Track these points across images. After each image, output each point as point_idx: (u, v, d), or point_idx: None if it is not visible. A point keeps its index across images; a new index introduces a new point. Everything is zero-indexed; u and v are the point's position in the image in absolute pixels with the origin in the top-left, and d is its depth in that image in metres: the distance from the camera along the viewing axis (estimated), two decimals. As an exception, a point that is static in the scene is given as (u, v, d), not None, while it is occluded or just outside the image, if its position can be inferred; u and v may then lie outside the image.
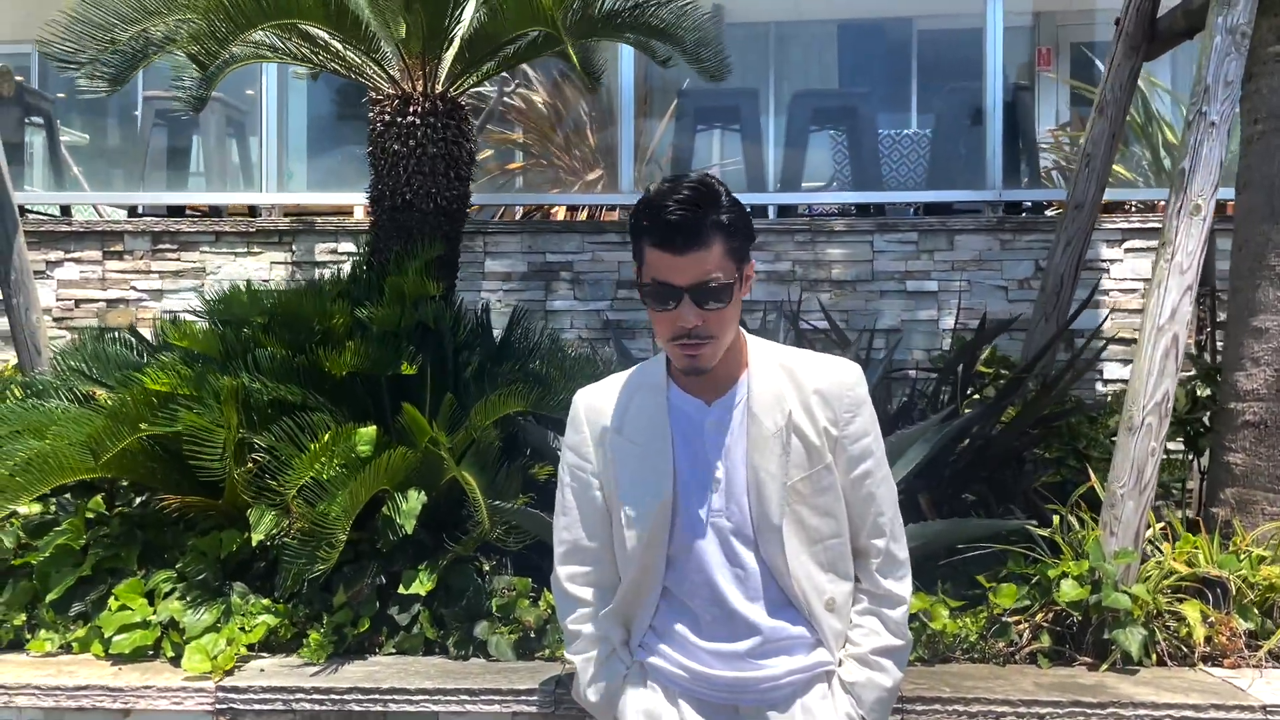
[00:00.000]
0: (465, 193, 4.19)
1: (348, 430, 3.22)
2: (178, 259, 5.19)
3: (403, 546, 3.35)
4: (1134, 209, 5.62)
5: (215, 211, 5.78)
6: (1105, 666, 3.09)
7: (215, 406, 3.27)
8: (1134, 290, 5.09)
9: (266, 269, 5.21)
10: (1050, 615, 3.27)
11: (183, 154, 6.11)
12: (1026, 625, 3.25)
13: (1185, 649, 3.20)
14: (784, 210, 5.63)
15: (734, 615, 2.02)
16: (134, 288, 5.17)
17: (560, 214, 6.40)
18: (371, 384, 3.66)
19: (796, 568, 2.01)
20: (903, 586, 2.17)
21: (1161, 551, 3.52)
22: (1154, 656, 3.16)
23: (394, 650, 3.19)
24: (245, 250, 5.22)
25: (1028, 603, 3.29)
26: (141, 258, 5.22)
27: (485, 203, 5.88)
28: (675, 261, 1.84)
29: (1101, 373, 4.95)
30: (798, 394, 2.02)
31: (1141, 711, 2.78)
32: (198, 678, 2.95)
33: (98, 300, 5.02)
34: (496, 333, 4.24)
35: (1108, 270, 5.09)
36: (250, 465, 3.19)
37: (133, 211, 5.94)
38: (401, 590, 3.22)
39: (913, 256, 5.16)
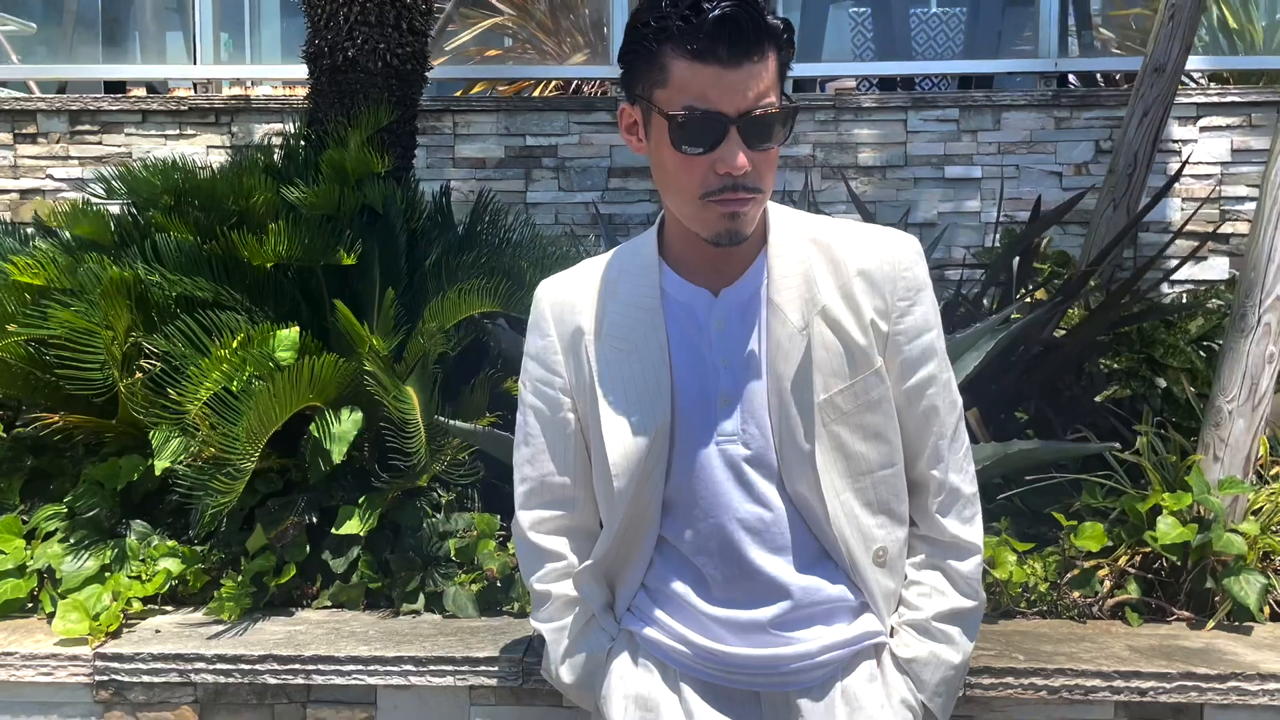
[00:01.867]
0: (421, 49, 3.47)
1: (262, 331, 2.56)
2: (99, 143, 4.51)
3: (341, 477, 2.72)
4: (1209, 81, 4.90)
5: (150, 89, 5.06)
6: (1212, 624, 2.48)
7: (101, 303, 2.61)
8: (1209, 176, 4.40)
9: (203, 153, 4.52)
10: (1138, 559, 2.65)
11: (119, 23, 5.35)
12: (1109, 571, 2.63)
13: (1305, 600, 2.58)
14: (800, 85, 4.92)
15: (753, 573, 1.52)
16: (50, 176, 4.49)
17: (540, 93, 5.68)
18: (305, 280, 3.00)
19: (836, 508, 1.51)
20: (973, 530, 1.62)
21: (1265, 479, 2.89)
22: (1267, 610, 2.55)
23: (329, 603, 2.59)
24: (177, 132, 4.52)
25: (1109, 543, 2.67)
26: (58, 141, 4.53)
27: (454, 76, 5.14)
28: (723, 77, 1.33)
29: (1168, 271, 4.28)
30: (835, 276, 1.51)
31: (1271, 685, 2.17)
32: (73, 641, 2.34)
33: (9, 191, 4.33)
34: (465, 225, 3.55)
35: (1180, 152, 4.39)
36: (138, 376, 2.54)
37: (61, 89, 5.22)
38: (336, 530, 2.60)
39: (952, 138, 4.48)
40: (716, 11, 1.32)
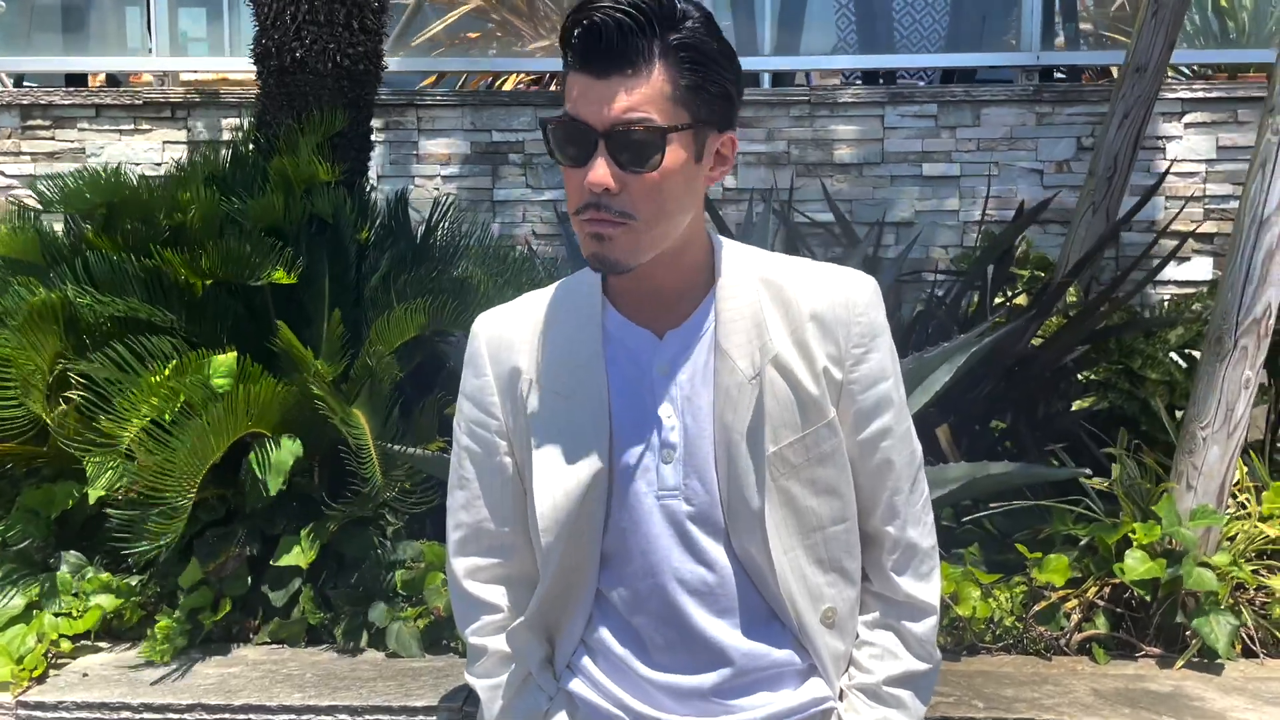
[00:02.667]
0: (375, 49, 3.33)
1: (196, 357, 2.44)
2: (52, 138, 4.35)
3: (286, 506, 2.62)
4: (1193, 74, 4.76)
5: (113, 82, 4.90)
6: (1181, 663, 2.39)
7: (25, 330, 2.49)
8: (1193, 174, 4.28)
9: (158, 150, 4.37)
10: (1107, 590, 2.57)
11: (79, 12, 5.18)
12: (1077, 603, 2.55)
13: (1278, 634, 2.50)
14: (779, 79, 4.77)
15: (695, 636, 1.42)
16: (2, 173, 4.33)
17: (511, 85, 5.51)
18: (250, 300, 2.88)
19: (784, 567, 1.41)
20: (929, 589, 1.50)
21: (1241, 504, 2.80)
22: (1238, 646, 2.47)
23: (268, 639, 2.49)
24: (132, 127, 4.36)
25: (1078, 573, 2.58)
26: (10, 136, 4.38)
27: (413, 68, 4.99)
28: (591, 87, 1.25)
29: (1150, 270, 4.17)
30: (786, 320, 1.40)
31: (1239, 736, 2.09)
32: (-4, 687, 2.24)
33: (-39, 188, 4.19)
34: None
35: (1163, 150, 4.27)
36: (62, 406, 2.43)
37: (19, 83, 5.05)
38: (275, 562, 2.50)
39: (931, 134, 4.32)
40: (585, 20, 1.24)
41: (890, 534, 1.46)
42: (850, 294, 1.41)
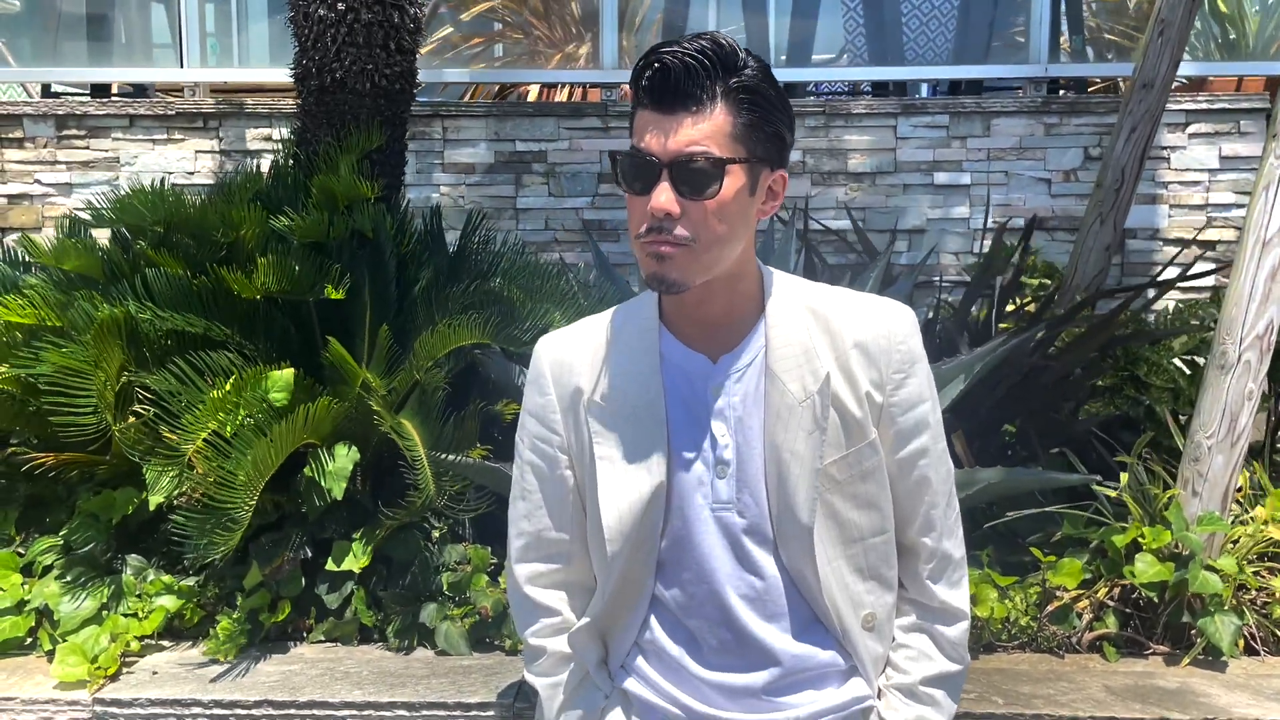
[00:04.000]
0: (410, 69, 3.45)
1: (255, 373, 2.57)
2: (87, 147, 4.46)
3: (336, 510, 2.76)
4: (1193, 84, 4.88)
5: (140, 91, 5.01)
6: (1188, 660, 2.54)
7: (93, 344, 2.62)
8: (1197, 183, 4.41)
9: (191, 159, 4.48)
10: (1117, 591, 2.71)
11: (104, 22, 5.29)
12: (1088, 603, 2.69)
13: (1279, 633, 2.64)
14: (791, 89, 4.89)
15: (747, 639, 1.55)
16: (38, 181, 4.45)
17: (533, 94, 5.62)
18: (296, 312, 3.00)
19: (829, 576, 1.54)
20: (960, 595, 1.65)
21: (1243, 507, 2.94)
22: (1241, 644, 2.61)
23: (323, 638, 2.63)
24: (165, 137, 4.48)
25: (1089, 576, 2.72)
26: (45, 145, 4.49)
27: (437, 80, 5.10)
28: (659, 122, 1.40)
29: (1156, 278, 4.30)
30: (832, 348, 1.53)
31: (1242, 730, 2.24)
32: (72, 685, 2.38)
33: (-2, 196, 4.30)
34: (454, 238, 3.54)
35: (1168, 160, 4.39)
36: (131, 419, 2.56)
37: (46, 91, 5.16)
38: (331, 567, 2.64)
39: (942, 144, 4.45)
40: (656, 62, 1.37)
41: (927, 545, 1.59)
42: (891, 324, 1.53)
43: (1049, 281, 4.02)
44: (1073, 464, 3.22)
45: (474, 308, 2.92)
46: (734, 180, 1.41)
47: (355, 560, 2.62)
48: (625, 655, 1.69)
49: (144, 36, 5.04)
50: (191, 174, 4.38)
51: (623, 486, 1.53)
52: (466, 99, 5.52)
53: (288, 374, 2.59)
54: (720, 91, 1.40)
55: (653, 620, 1.62)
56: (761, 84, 1.45)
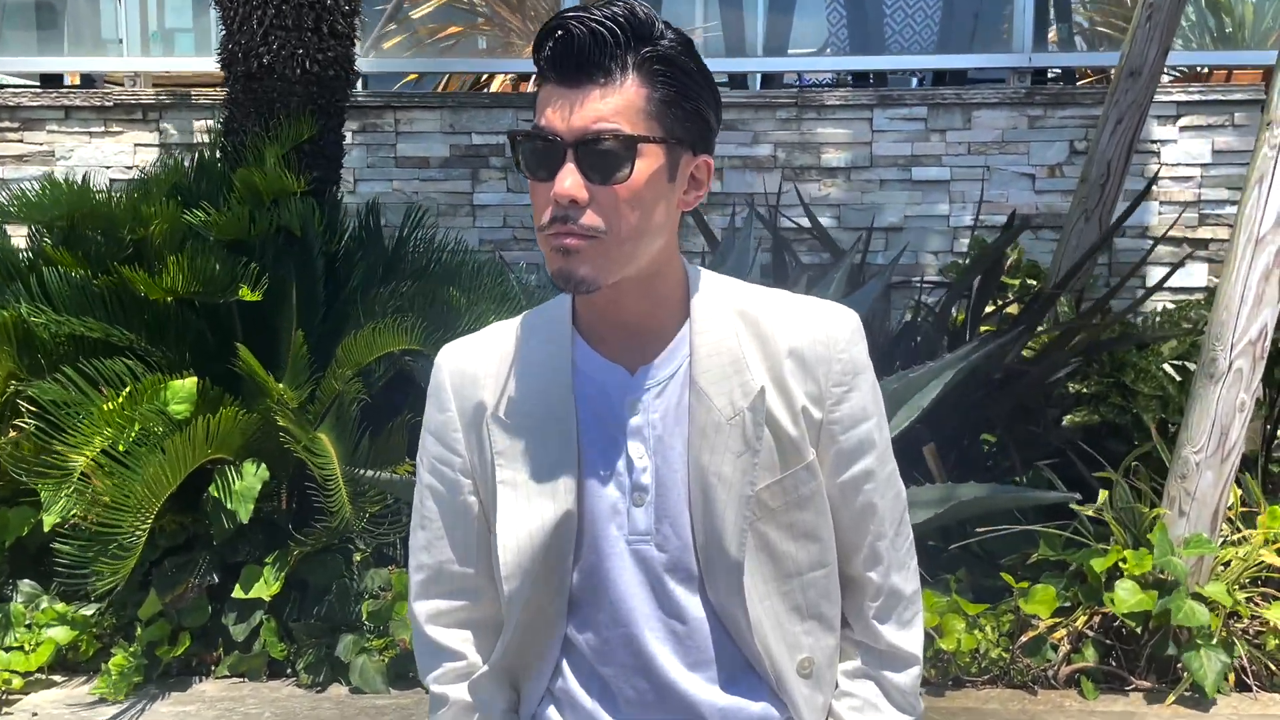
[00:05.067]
0: (345, 54, 3.23)
1: (153, 383, 2.35)
2: (20, 140, 4.24)
3: (250, 532, 2.54)
4: (1185, 75, 4.67)
5: (88, 81, 4.78)
6: (1173, 698, 2.32)
7: (-24, 350, 2.40)
8: (1188, 178, 4.19)
9: (130, 153, 4.26)
10: (1097, 620, 2.49)
11: (52, 11, 5.06)
12: (1065, 633, 2.47)
13: (1273, 667, 2.43)
14: (768, 80, 4.67)
15: (667, 690, 1.35)
16: (-31, 176, 4.22)
17: (497, 87, 5.40)
18: (214, 316, 2.79)
19: (761, 617, 1.34)
20: (912, 637, 1.43)
21: (1235, 526, 2.72)
22: (1231, 678, 2.40)
23: (228, 673, 2.41)
24: (102, 130, 4.25)
25: (1066, 602, 2.50)
26: (-23, 139, 4.26)
27: (386, 69, 4.88)
28: (563, 97, 1.23)
29: (1145, 279, 4.09)
30: (764, 357, 1.34)
31: (1231, 780, 2.02)
32: (-58, 729, 2.16)
33: (-73, 192, 4.06)
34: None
35: (1158, 154, 4.18)
36: (11, 434, 2.33)
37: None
38: (239, 594, 2.42)
39: (920, 137, 4.21)
40: (559, 30, 1.20)
41: (873, 580, 1.39)
42: (830, 330, 1.34)
43: (1033, 282, 3.81)
44: (1052, 480, 3.01)
45: (409, 310, 2.70)
46: (648, 163, 1.23)
47: (266, 587, 2.40)
48: (537, 705, 1.47)
49: (92, 26, 4.81)
50: (130, 169, 4.16)
51: (524, 515, 1.35)
52: (441, 91, 5.30)
53: (190, 383, 2.36)
54: (633, 63, 1.22)
55: (565, 666, 1.41)
56: (680, 56, 1.26)
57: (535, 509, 1.33)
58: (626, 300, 1.30)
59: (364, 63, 4.58)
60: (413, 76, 5.60)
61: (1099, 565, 2.45)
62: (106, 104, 4.27)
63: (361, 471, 2.28)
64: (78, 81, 4.87)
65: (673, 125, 1.23)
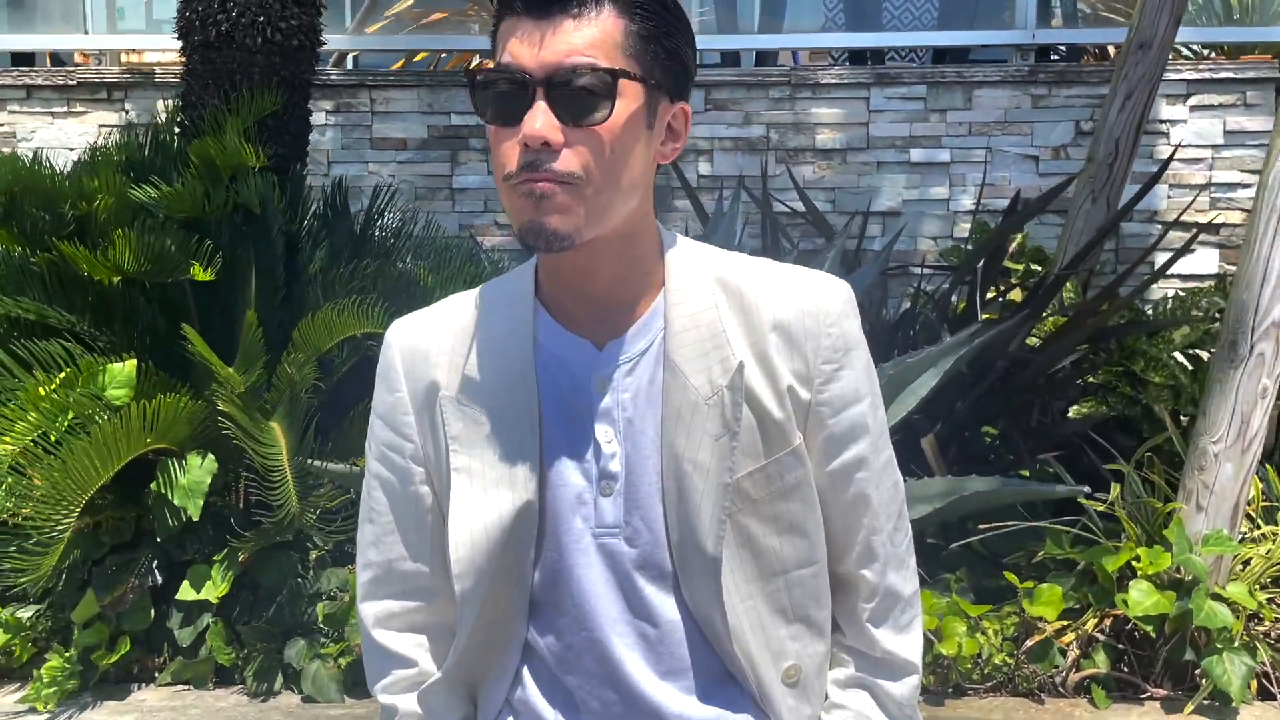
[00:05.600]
0: (311, 24, 3.06)
1: (88, 366, 2.18)
2: (-20, 121, 4.08)
3: (199, 528, 2.36)
4: (1198, 55, 4.49)
5: (58, 61, 4.61)
6: (1191, 707, 2.14)
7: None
8: (1199, 160, 4.01)
9: (93, 133, 4.09)
10: (1108, 622, 2.32)
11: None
12: (1075, 637, 2.30)
13: (1298, 672, 2.26)
14: (762, 59, 4.50)
15: (637, 701, 1.23)
16: (-73, 159, 4.03)
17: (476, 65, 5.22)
18: (166, 297, 2.62)
19: (742, 619, 1.22)
20: (910, 643, 1.30)
21: (1255, 522, 2.55)
22: (1254, 685, 2.22)
23: (171, 679, 2.23)
24: (65, 110, 4.09)
25: (1075, 604, 2.33)
26: (-65, 120, 4.09)
27: (364, 48, 4.70)
28: (531, 30, 1.12)
29: (1153, 265, 3.92)
30: (746, 331, 1.22)
31: (1258, 799, 1.84)
32: None
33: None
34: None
35: (1167, 134, 4.00)
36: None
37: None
38: (184, 595, 2.24)
39: (919, 118, 4.04)
40: None
41: (867, 579, 1.26)
42: (820, 301, 1.21)
43: (1038, 267, 3.63)
44: (1059, 472, 2.84)
45: (373, 291, 2.53)
46: (628, 103, 1.10)
47: (213, 587, 2.23)
48: (495, 715, 1.32)
49: (61, 4, 4.63)
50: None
51: (480, 505, 1.22)
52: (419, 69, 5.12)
53: (128, 366, 2.19)
54: None
55: (525, 674, 1.28)
56: None
57: (492, 499, 1.20)
58: (597, 266, 1.17)
59: (338, 40, 4.43)
60: (400, 65, 5.41)
61: (1111, 564, 2.27)
62: (70, 83, 4.10)
63: (310, 461, 2.10)
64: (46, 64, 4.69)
65: (651, 65, 1.12)
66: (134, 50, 4.50)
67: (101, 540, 2.39)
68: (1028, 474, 2.96)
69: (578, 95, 1.06)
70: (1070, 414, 3.16)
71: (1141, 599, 2.16)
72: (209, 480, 2.21)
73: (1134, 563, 2.26)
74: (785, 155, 4.07)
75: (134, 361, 2.21)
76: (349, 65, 4.70)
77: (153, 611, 2.28)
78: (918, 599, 1.30)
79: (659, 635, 1.19)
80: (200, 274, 2.41)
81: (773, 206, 3.82)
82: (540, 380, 1.20)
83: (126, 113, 4.08)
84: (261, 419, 2.29)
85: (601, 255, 1.15)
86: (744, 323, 1.19)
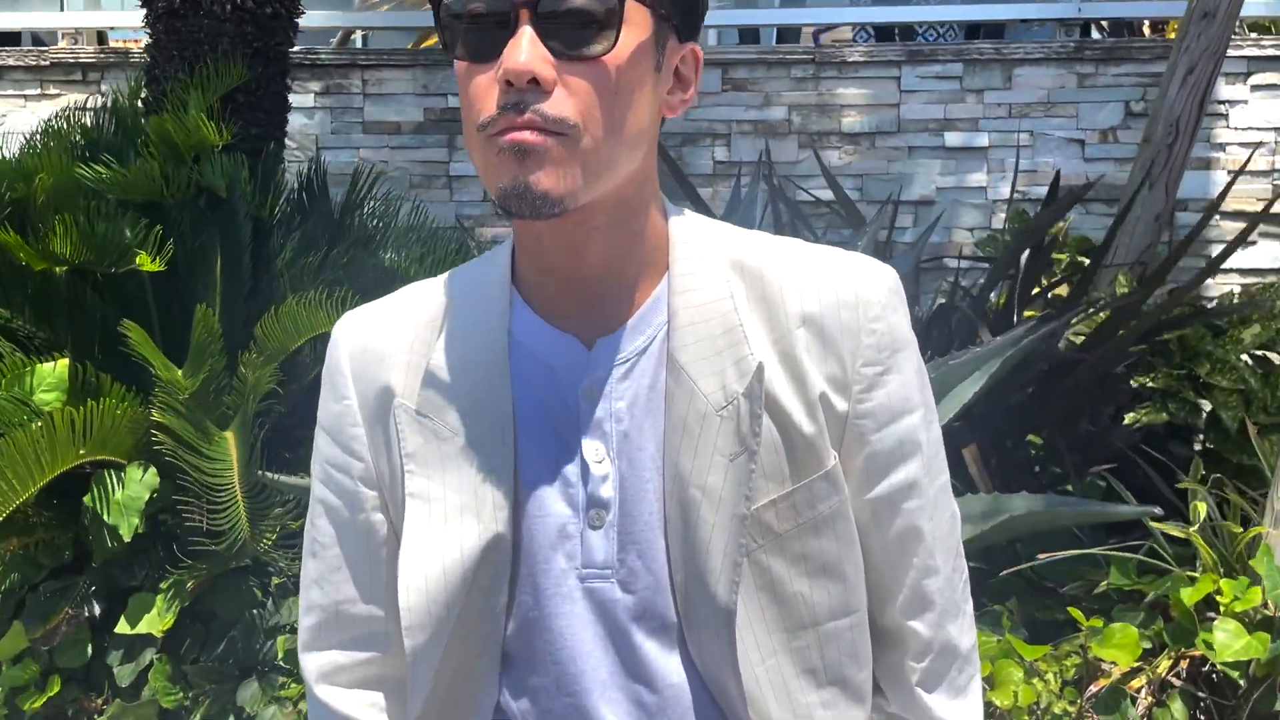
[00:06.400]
0: (288, -11, 2.79)
1: (12, 367, 1.92)
2: (-48, 103, 3.87)
3: (149, 550, 2.11)
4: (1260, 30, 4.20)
5: (38, 41, 4.39)
6: (1288, 771, 1.84)
7: None
8: (1261, 144, 3.72)
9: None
10: (1184, 664, 2.01)
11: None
12: (1146, 681, 1.99)
13: None
14: (783, 36, 4.27)
15: None
16: (-107, 146, 3.81)
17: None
18: (122, 291, 2.37)
19: (762, 682, 1.03)
20: (969, 707, 1.10)
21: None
22: (1358, 740, 1.91)
23: (110, 726, 1.97)
24: (38, 92, 3.86)
25: (1147, 643, 2.03)
26: (-99, 103, 3.87)
27: (354, 24, 4.45)
28: None
29: (1209, 257, 3.64)
30: (769, 325, 1.02)
31: None
32: None
33: None
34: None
35: (1226, 117, 3.71)
36: None
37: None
38: (125, 629, 1.99)
39: (955, 98, 3.78)
40: None
41: (918, 633, 1.06)
42: (861, 289, 1.00)
43: (1083, 260, 3.35)
44: (1113, 487, 2.56)
45: (346, 284, 2.26)
46: (635, 33, 0.91)
47: (157, 619, 1.96)
48: None
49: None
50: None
51: (437, 541, 1.01)
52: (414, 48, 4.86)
53: (60, 367, 1.95)
54: None
55: None
56: None
57: (453, 532, 0.99)
58: (589, 242, 0.97)
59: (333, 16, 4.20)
60: (414, 45, 5.13)
61: (1189, 597, 1.97)
62: (43, 63, 3.87)
63: (264, 474, 1.83)
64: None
65: None
66: (110, 28, 4.27)
67: (41, 563, 2.14)
68: (1071, 489, 2.69)
69: (573, 20, 0.87)
70: (1126, 421, 2.88)
71: (1229, 641, 1.86)
72: (148, 495, 1.95)
73: (1216, 597, 1.96)
74: (809, 139, 3.81)
75: (65, 361, 1.95)
76: (358, 45, 4.48)
77: (90, 646, 2.02)
78: (976, 654, 1.08)
79: (659, 703, 0.99)
80: (147, 264, 2.15)
81: (795, 194, 3.56)
82: (516, 385, 0.99)
83: (102, 95, 3.85)
84: (216, 429, 2.02)
85: (594, 228, 0.94)
86: (766, 316, 0.98)
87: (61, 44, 4.48)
